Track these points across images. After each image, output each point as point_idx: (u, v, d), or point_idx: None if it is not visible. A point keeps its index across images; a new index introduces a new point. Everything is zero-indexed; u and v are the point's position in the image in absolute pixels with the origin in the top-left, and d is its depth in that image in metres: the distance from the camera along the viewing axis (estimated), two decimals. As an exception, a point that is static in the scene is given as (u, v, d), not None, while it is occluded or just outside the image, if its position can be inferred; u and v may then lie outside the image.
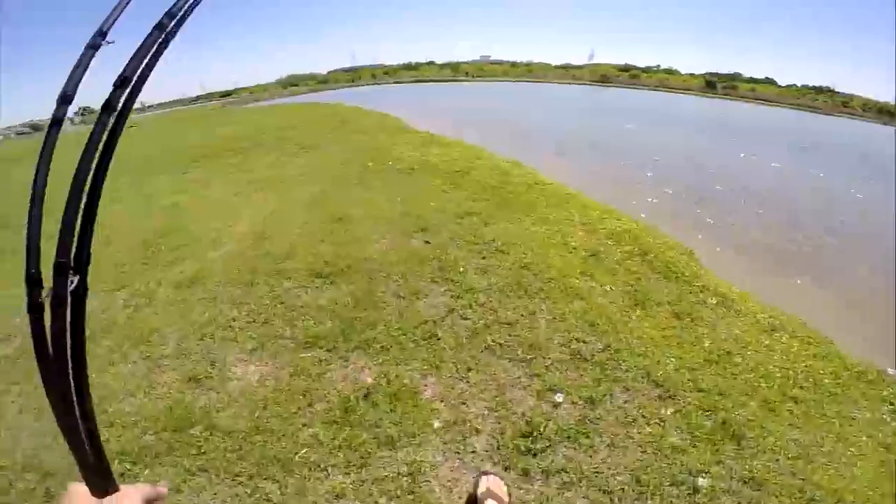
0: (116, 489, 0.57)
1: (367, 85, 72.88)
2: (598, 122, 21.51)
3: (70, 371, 0.55)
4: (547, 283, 4.32)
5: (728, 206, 9.03)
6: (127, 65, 0.58)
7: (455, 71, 76.17)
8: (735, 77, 64.07)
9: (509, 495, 2.36)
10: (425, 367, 3.28)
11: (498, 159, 9.57)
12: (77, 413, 0.56)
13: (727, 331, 3.78)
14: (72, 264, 0.56)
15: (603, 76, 61.82)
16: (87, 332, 0.60)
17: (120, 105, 0.58)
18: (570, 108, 28.68)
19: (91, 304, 0.87)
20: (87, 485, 0.56)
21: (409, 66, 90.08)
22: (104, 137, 0.56)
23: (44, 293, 0.54)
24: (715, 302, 4.25)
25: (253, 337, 3.69)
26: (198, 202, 7.42)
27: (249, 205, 6.93)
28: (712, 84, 60.60)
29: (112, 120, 0.57)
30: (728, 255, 6.66)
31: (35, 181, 0.57)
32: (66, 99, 0.58)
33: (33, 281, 0.54)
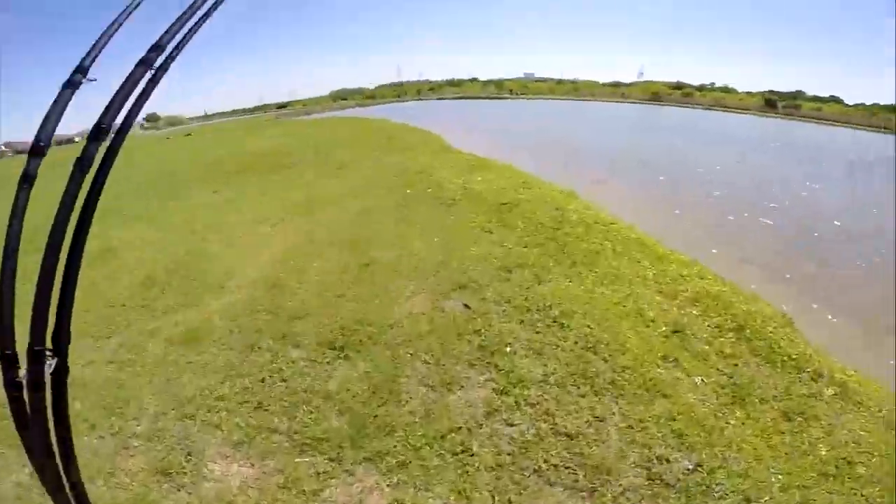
0: None
1: (412, 100, 73.88)
2: (651, 142, 20.02)
3: (54, 445, 0.55)
4: (620, 374, 3.30)
5: (823, 249, 7.56)
6: (104, 111, 0.51)
7: (499, 88, 75.58)
8: (797, 95, 59.69)
9: None
10: (452, 497, 2.42)
11: (549, 188, 8.56)
12: (66, 485, 0.57)
13: (847, 431, 2.96)
14: (49, 346, 0.52)
15: (654, 94, 59.20)
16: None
17: (98, 159, 0.51)
18: (621, 128, 27.14)
19: (76, 346, 0.64)
20: None
21: (452, 83, 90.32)
22: (79, 197, 0.51)
23: (20, 372, 0.51)
24: (831, 393, 3.32)
25: (241, 426, 2.92)
26: (218, 230, 6.90)
27: (271, 238, 6.29)
28: (772, 103, 56.60)
29: (90, 174, 0.51)
30: (833, 321, 5.34)
31: (7, 243, 0.50)
32: (38, 150, 0.53)
33: (8, 361, 0.51)
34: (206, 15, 0.58)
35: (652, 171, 13.50)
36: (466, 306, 4.11)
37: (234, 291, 4.70)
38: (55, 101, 0.53)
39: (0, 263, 0.50)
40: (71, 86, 0.54)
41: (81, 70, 0.55)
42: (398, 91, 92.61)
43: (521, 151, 14.59)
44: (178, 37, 0.58)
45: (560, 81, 76.42)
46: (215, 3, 0.58)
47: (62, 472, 0.57)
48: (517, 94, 66.70)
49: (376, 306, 4.17)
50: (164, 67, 0.56)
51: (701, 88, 69.17)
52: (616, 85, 74.95)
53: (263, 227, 6.74)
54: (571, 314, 3.96)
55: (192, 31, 0.59)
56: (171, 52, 0.57)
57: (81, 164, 0.51)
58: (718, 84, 70.18)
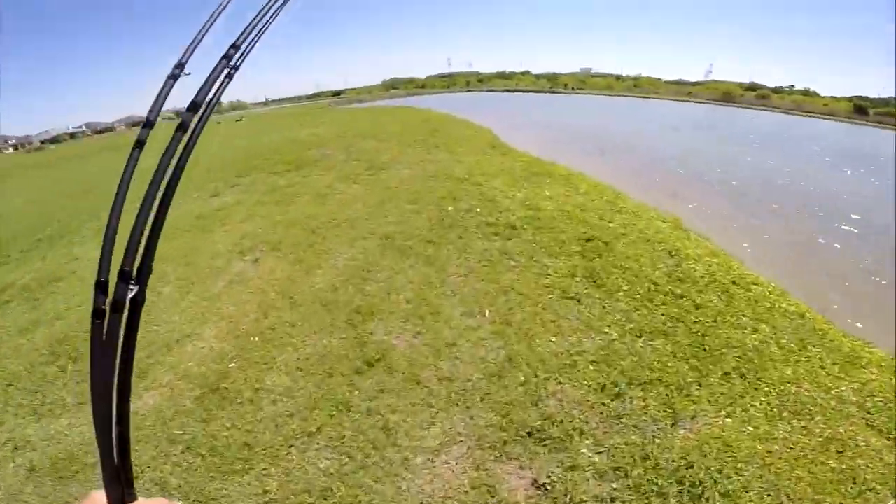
0: (134, 499, 0.55)
1: (462, 91, 71.05)
2: (734, 149, 16.49)
3: (116, 371, 0.55)
4: None
5: None
6: (198, 92, 0.61)
7: (553, 82, 71.04)
8: (889, 101, 51.79)
9: None
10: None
11: (646, 213, 6.02)
12: (114, 415, 0.56)
13: None
14: (134, 274, 0.57)
15: (726, 94, 53.19)
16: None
17: (191, 126, 0.60)
18: (692, 130, 23.26)
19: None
20: (107, 492, 0.55)
21: (503, 75, 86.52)
22: (177, 155, 0.59)
23: (106, 301, 0.56)
24: None
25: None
26: (188, 260, 4.86)
27: (233, 291, 4.15)
28: (863, 109, 49.36)
29: (185, 139, 0.60)
30: None
31: (116, 196, 0.59)
32: (149, 123, 0.64)
33: (99, 288, 0.56)
34: (276, 14, 0.68)
35: (747, 187, 10.43)
36: (540, 486, 1.77)
37: (165, 379, 2.64)
38: (161, 89, 0.64)
39: (112, 204, 0.58)
40: (173, 77, 0.65)
41: (180, 65, 0.66)
42: (448, 82, 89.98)
43: (582, 154, 11.95)
44: (253, 34, 0.67)
45: (620, 78, 70.98)
46: (284, 1, 0.68)
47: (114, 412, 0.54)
48: (574, 89, 61.97)
49: (366, 480, 1.92)
50: (238, 64, 0.65)
51: (778, 91, 62.19)
52: (681, 83, 68.61)
53: (242, 265, 4.65)
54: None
55: (264, 28, 0.68)
56: (246, 49, 0.66)
57: (181, 127, 0.58)
58: (798, 87, 62.85)
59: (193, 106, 0.60)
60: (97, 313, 0.55)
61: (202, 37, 0.68)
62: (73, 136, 69.01)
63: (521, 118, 23.55)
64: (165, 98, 0.65)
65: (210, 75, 0.62)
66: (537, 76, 78.27)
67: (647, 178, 10.19)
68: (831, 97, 57.32)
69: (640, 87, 64.86)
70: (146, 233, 0.57)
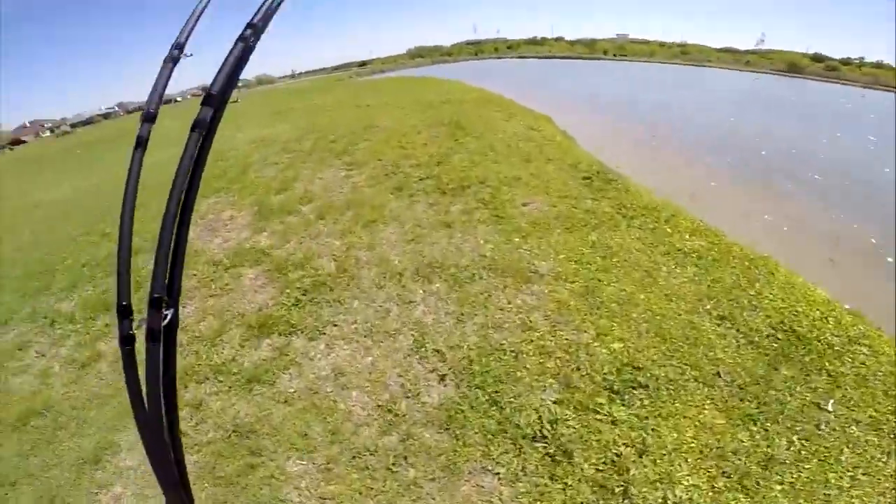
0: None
1: (491, 58, 65.28)
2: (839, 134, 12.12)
3: (162, 401, 0.52)
4: None
5: None
6: (213, 81, 0.54)
7: (590, 48, 64.15)
8: None
9: None
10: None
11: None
12: (169, 442, 0.54)
13: None
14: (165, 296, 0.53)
15: (791, 65, 46.22)
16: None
17: (208, 122, 0.54)
18: (790, 112, 18.57)
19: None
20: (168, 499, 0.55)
21: (534, 41, 79.42)
22: (194, 158, 0.53)
23: (134, 324, 0.53)
24: None
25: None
26: None
27: None
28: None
29: (201, 138, 0.54)
30: None
31: (123, 206, 0.54)
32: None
33: (124, 312, 0.53)
34: None
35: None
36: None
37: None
38: (159, 75, 0.56)
39: (120, 220, 0.54)
40: (172, 60, 0.58)
41: (178, 46, 0.58)
42: (475, 49, 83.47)
43: (731, 177, 8.02)
44: (266, 10, 0.59)
45: (665, 44, 63.37)
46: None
47: (167, 440, 0.53)
48: (616, 55, 55.28)
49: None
50: (254, 42, 0.57)
51: (847, 63, 54.10)
52: (731, 51, 60.79)
53: None
54: None
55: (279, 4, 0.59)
56: (261, 26, 0.58)
57: (197, 125, 0.51)
58: (868, 59, 54.59)
59: (208, 99, 0.52)
60: (126, 340, 0.53)
61: (200, 15, 0.58)
62: (106, 116, 67.47)
63: (582, 95, 19.09)
64: (165, 86, 0.56)
65: (225, 60, 0.53)
66: (572, 42, 71.16)
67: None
68: (907, 69, 49.32)
69: (687, 54, 57.74)
70: (171, 247, 0.52)
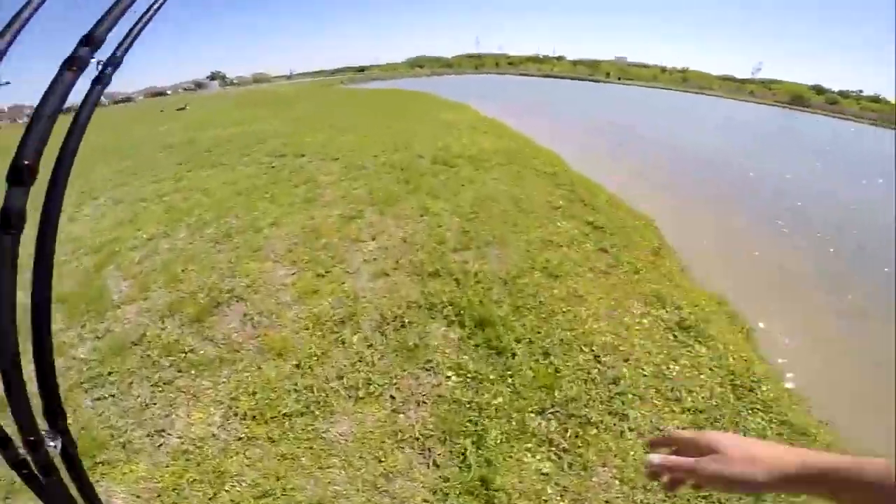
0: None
1: (491, 73, 63.45)
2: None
3: None
4: None
5: None
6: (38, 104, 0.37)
7: (593, 69, 62.78)
8: None
9: None
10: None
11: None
12: None
13: None
14: (45, 428, 0.42)
15: (797, 97, 44.95)
16: None
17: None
18: (820, 158, 16.06)
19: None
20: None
21: (535, 59, 78.00)
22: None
23: (19, 449, 0.42)
24: None
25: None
26: None
27: None
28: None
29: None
30: None
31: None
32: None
33: (2, 444, 0.42)
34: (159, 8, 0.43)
35: None
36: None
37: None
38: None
39: None
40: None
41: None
42: (476, 62, 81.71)
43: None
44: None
45: (666, 70, 61.94)
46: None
47: None
48: (619, 78, 53.71)
49: None
50: (106, 71, 0.41)
51: (845, 95, 53.42)
52: (730, 79, 59.85)
53: None
54: None
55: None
56: (115, 52, 0.42)
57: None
58: (866, 92, 54.05)
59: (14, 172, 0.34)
60: (17, 465, 0.41)
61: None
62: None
63: (577, 120, 16.88)
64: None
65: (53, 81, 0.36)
66: (574, 62, 69.60)
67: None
68: (902, 103, 48.57)
69: (688, 80, 56.45)
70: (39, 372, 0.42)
